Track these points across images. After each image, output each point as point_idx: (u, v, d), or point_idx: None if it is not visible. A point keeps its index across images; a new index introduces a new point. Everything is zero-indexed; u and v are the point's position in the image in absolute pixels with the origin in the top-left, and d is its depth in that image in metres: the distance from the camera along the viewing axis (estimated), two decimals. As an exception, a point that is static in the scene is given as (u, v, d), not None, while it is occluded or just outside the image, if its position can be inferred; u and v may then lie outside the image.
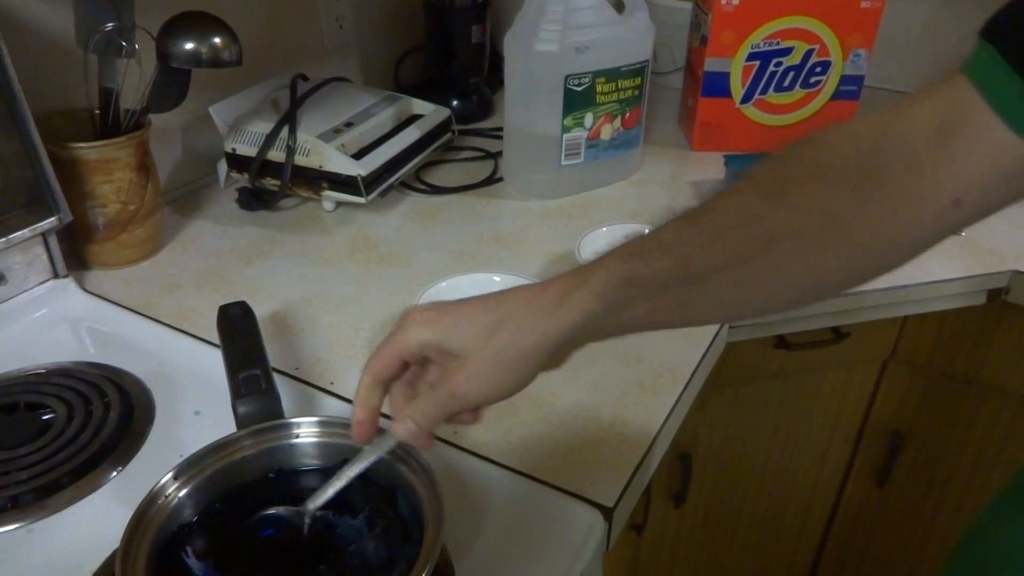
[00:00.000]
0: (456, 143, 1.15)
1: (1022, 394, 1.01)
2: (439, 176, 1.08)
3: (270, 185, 0.94)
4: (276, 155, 0.92)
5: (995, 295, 0.91)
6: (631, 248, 0.43)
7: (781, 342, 0.92)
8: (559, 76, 0.93)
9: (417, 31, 1.27)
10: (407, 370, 0.47)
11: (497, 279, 0.77)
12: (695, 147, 1.17)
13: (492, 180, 1.06)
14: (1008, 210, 0.99)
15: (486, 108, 1.26)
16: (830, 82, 1.12)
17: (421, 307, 0.46)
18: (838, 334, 0.94)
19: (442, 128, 1.06)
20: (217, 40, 0.76)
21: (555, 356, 0.44)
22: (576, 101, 0.95)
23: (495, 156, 1.12)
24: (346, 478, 0.47)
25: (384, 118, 1.01)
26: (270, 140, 0.91)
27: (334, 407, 0.66)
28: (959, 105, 0.41)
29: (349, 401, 0.66)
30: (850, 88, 1.12)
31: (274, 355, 0.71)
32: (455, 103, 1.22)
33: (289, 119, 0.92)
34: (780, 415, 1.07)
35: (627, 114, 1.01)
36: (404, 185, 1.03)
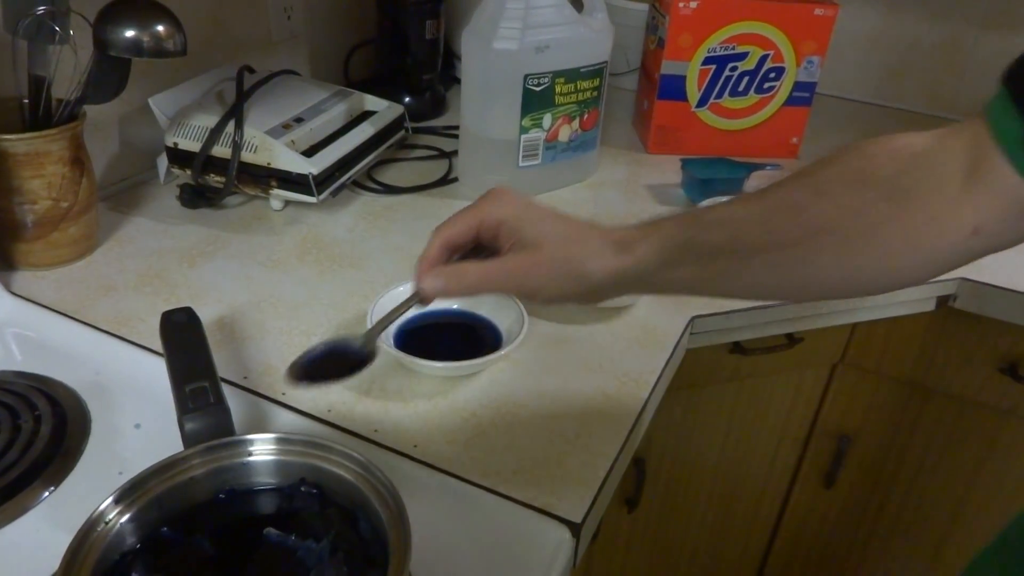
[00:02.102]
0: (409, 141, 1.12)
1: (965, 398, 1.04)
2: (392, 175, 1.05)
3: (214, 182, 0.89)
4: (221, 151, 0.87)
5: (943, 301, 0.93)
6: (690, 218, 0.47)
7: (737, 347, 0.92)
8: (518, 75, 0.91)
9: (369, 24, 1.23)
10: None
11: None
12: (651, 150, 1.17)
13: (447, 180, 1.03)
14: None
15: (439, 105, 1.24)
16: (783, 88, 1.12)
17: (510, 189, 0.50)
18: (791, 339, 0.94)
19: (395, 126, 1.03)
20: (160, 28, 0.71)
21: (599, 291, 0.48)
22: (535, 101, 0.93)
23: (449, 155, 1.09)
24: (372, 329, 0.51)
25: (335, 114, 0.97)
26: (215, 135, 0.87)
27: (287, 420, 0.63)
28: (980, 142, 0.44)
29: (303, 413, 0.63)
30: (803, 95, 1.13)
31: (221, 364, 0.67)
32: (407, 100, 1.19)
33: (236, 113, 0.88)
34: (732, 418, 1.07)
35: (585, 115, 0.99)
36: (356, 184, 1.00)
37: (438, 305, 0.73)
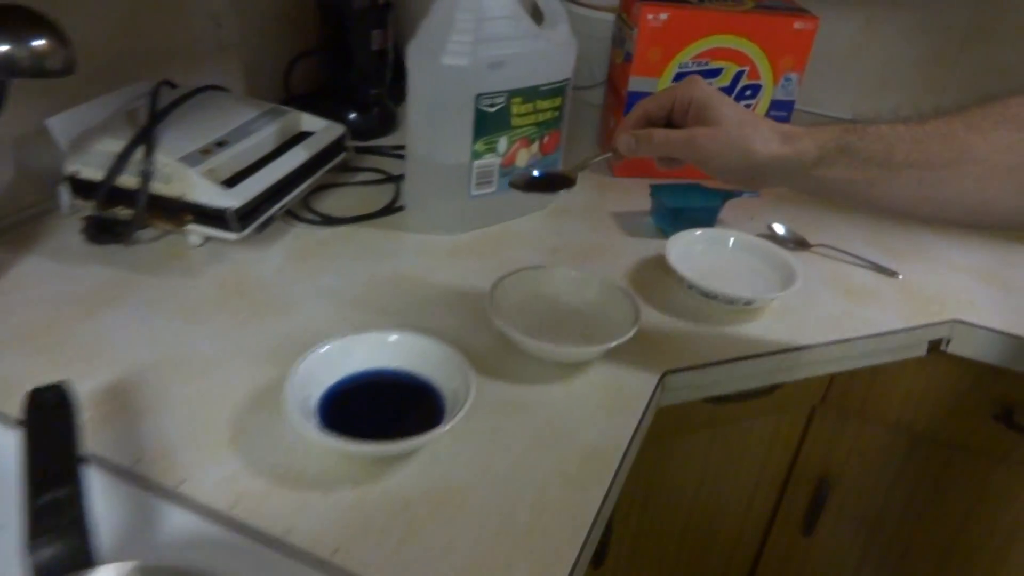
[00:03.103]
0: (353, 163, 1.02)
1: (954, 443, 0.97)
2: (331, 203, 0.94)
3: (122, 215, 0.78)
4: (129, 181, 0.76)
5: (935, 346, 0.85)
6: (852, 127, 0.55)
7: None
8: (469, 95, 0.81)
9: (311, 34, 1.13)
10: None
11: (393, 338, 0.65)
12: (616, 173, 1.08)
13: (392, 209, 0.93)
14: (945, 251, 0.91)
15: (388, 122, 1.13)
16: (760, 107, 1.04)
17: (702, 79, 0.60)
18: (771, 385, 0.86)
19: (335, 147, 0.92)
20: (39, 43, 0.60)
21: (761, 172, 0.57)
22: (488, 123, 0.84)
23: (396, 179, 0.99)
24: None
25: (265, 136, 0.87)
26: (121, 162, 0.76)
27: (180, 522, 0.52)
28: None
29: (203, 509, 0.53)
30: (780, 114, 1.05)
31: (109, 443, 0.57)
32: (353, 116, 1.09)
33: (145, 137, 0.77)
34: (707, 465, 0.98)
35: (546, 138, 0.90)
36: (290, 214, 0.89)
37: (375, 363, 0.63)
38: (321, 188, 0.96)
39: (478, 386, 0.60)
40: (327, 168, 0.91)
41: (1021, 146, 0.51)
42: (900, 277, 0.89)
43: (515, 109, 0.84)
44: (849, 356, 0.80)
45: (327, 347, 0.62)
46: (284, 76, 1.15)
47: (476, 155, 0.85)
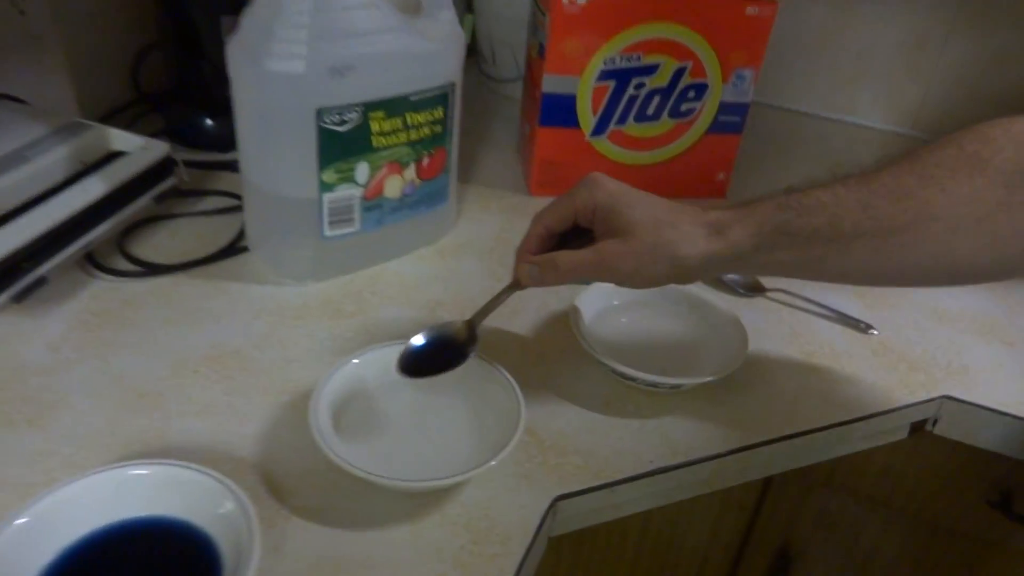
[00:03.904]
0: (202, 184, 0.81)
1: (939, 525, 0.79)
2: (159, 242, 0.74)
3: None
4: None
5: (919, 425, 0.67)
6: (789, 200, 0.48)
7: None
8: (307, 110, 0.61)
9: (149, 20, 0.91)
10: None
11: (141, 472, 0.45)
12: (533, 191, 0.88)
13: (235, 249, 0.73)
14: (930, 296, 0.77)
15: (257, 129, 0.92)
16: (707, 111, 0.85)
17: (603, 175, 0.52)
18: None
19: (158, 171, 0.72)
20: None
21: (692, 274, 0.50)
22: (338, 146, 0.63)
23: (250, 208, 0.79)
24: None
25: (50, 163, 0.66)
26: None
27: None
28: None
29: None
30: (731, 119, 0.85)
31: None
32: (208, 122, 0.88)
33: None
34: (639, 554, 0.80)
35: (425, 160, 0.70)
36: (92, 262, 0.69)
37: (121, 514, 0.44)
38: (148, 222, 0.76)
39: (285, 535, 0.41)
40: (146, 199, 0.71)
41: (986, 193, 0.44)
42: (875, 333, 0.71)
43: (376, 126, 0.64)
44: (810, 449, 0.61)
45: (22, 520, 0.42)
46: (131, 73, 0.94)
47: (326, 187, 0.65)
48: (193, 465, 0.45)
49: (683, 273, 0.50)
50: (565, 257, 0.51)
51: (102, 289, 0.67)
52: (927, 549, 0.83)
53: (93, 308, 0.65)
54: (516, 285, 0.54)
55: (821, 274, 0.49)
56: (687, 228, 0.48)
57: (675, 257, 0.48)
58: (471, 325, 0.55)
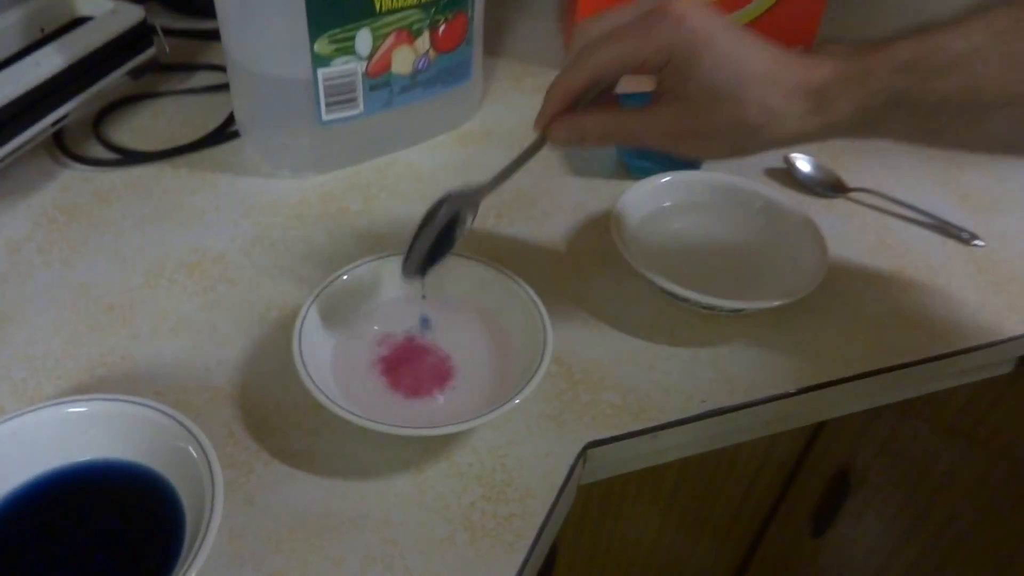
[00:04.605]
0: (187, 58, 0.71)
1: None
2: (140, 125, 0.64)
3: None
4: None
5: (1026, 358, 0.56)
6: (916, 56, 0.36)
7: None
8: (292, -38, 0.49)
9: None
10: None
11: (79, 410, 0.38)
12: (575, 67, 0.75)
13: (224, 135, 0.63)
14: None
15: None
16: (788, -34, 0.69)
17: (685, 3, 0.37)
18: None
19: (133, 40, 0.61)
20: None
21: (772, 148, 0.39)
22: (333, 9, 0.52)
23: (245, 85, 0.68)
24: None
25: (1, 29, 0.56)
26: None
27: None
28: None
29: None
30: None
31: None
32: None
33: None
34: (683, 471, 0.73)
35: (441, 27, 0.58)
36: (63, 150, 0.60)
37: (58, 459, 0.37)
38: (127, 102, 0.66)
39: (262, 483, 0.35)
40: (119, 73, 0.60)
41: None
42: (980, 244, 0.58)
43: (378, -17, 0.52)
44: (897, 387, 0.51)
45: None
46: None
47: (321, 61, 0.54)
48: (146, 401, 0.38)
49: (765, 147, 0.40)
50: (615, 118, 0.40)
51: (73, 180, 0.58)
52: (1009, 484, 0.73)
53: (61, 203, 0.56)
54: (539, 145, 0.42)
55: (932, 144, 0.40)
56: (781, 104, 0.37)
57: (757, 141, 0.38)
58: (482, 194, 0.43)
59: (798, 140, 0.39)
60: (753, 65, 0.37)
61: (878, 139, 0.40)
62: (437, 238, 0.43)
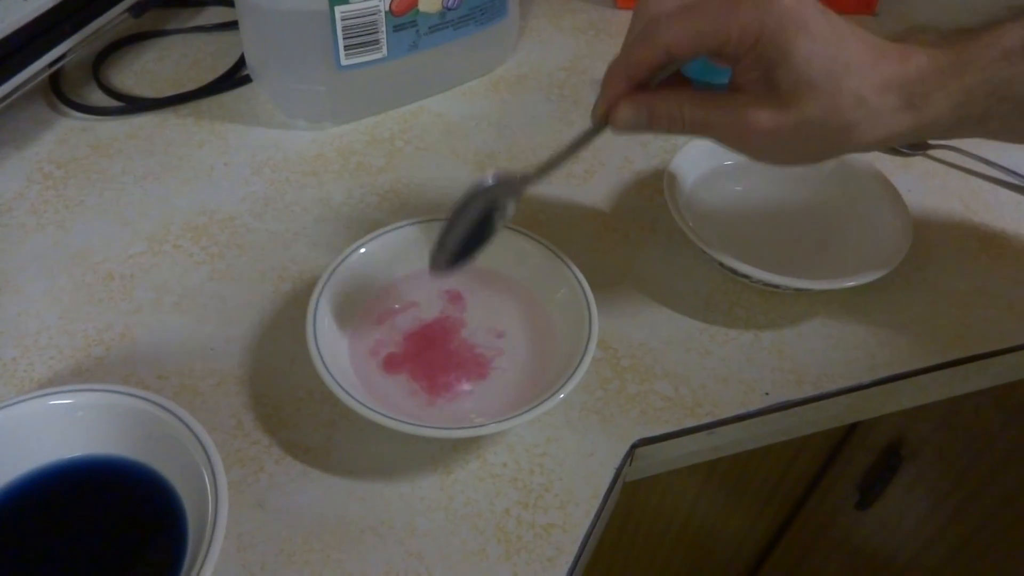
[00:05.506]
0: (194, -7, 0.65)
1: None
2: (145, 68, 0.59)
3: None
4: None
5: None
6: (1021, 37, 0.33)
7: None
8: None
9: None
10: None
11: (64, 402, 0.34)
12: (620, 3, 0.68)
13: (235, 79, 0.58)
14: None
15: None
16: None
17: None
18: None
19: (132, -25, 0.55)
20: None
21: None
22: (352, -62, 0.45)
23: (257, 22, 0.62)
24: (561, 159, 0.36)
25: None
26: None
27: None
28: None
29: None
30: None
31: None
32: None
33: None
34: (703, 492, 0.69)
35: (474, -41, 0.51)
36: (60, 96, 0.55)
37: (47, 456, 0.34)
38: (131, 41, 0.60)
39: (273, 482, 0.32)
40: (120, 10, 0.55)
41: None
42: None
43: (403, -94, 0.45)
44: (983, 375, 0.46)
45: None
46: None
47: (338, -3, 0.47)
48: (139, 392, 0.34)
49: (840, 155, 0.36)
50: (691, 102, 0.34)
51: (70, 130, 0.53)
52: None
53: (57, 156, 0.52)
54: (600, 128, 0.36)
55: None
56: (875, 100, 0.33)
57: (846, 143, 0.34)
58: (529, 179, 0.37)
59: (887, 142, 0.35)
60: (849, 52, 0.32)
61: (977, 138, 0.36)
62: (472, 230, 0.37)
